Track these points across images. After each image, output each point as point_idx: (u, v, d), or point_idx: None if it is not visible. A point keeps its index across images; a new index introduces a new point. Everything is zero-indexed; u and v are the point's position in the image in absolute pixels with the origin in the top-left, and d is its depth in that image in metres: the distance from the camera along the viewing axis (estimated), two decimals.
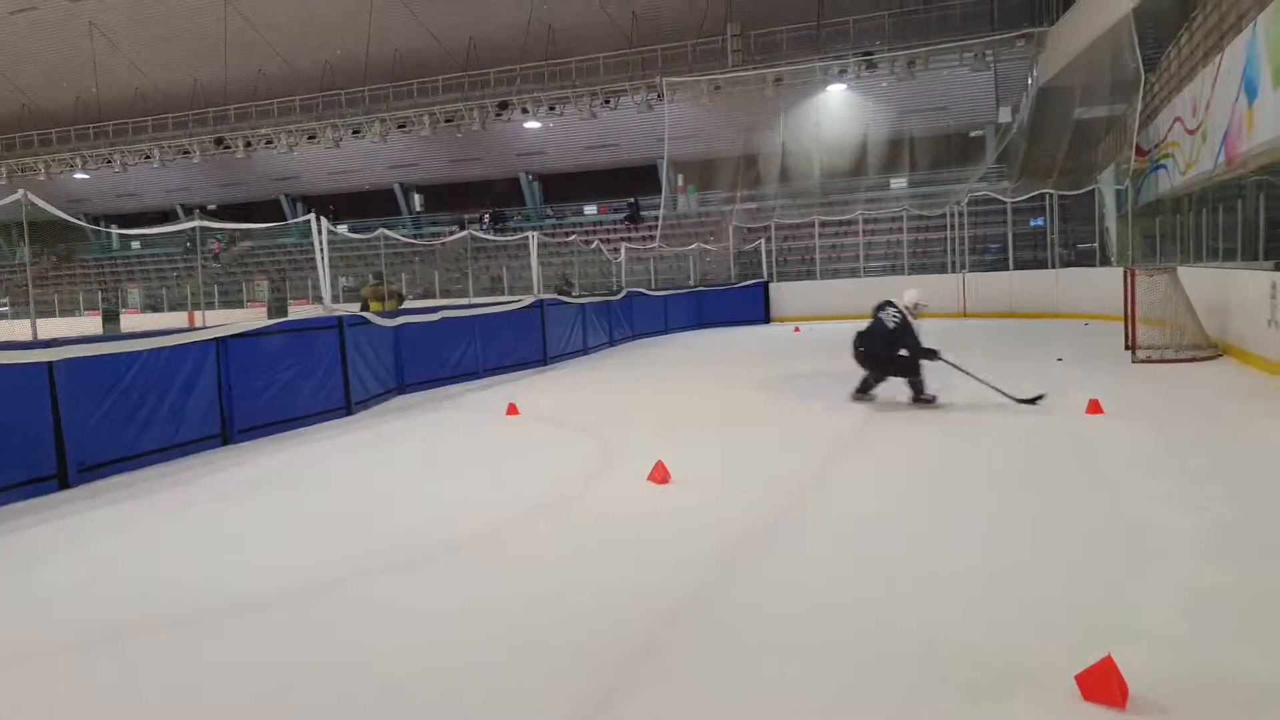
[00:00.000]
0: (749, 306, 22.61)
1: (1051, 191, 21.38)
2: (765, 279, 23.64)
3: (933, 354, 8.37)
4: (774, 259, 24.34)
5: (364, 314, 11.09)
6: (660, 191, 31.05)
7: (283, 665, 3.35)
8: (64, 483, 6.45)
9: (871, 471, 6.18)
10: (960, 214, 22.53)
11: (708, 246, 25.91)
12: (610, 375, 13.15)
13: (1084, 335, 14.73)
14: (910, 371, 8.47)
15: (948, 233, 22.84)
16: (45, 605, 4.17)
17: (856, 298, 22.21)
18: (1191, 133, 14.32)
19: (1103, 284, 17.07)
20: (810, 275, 24.47)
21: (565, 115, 29.90)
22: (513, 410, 9.42)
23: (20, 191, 7.24)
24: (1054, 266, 21.14)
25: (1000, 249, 22.68)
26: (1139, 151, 18.42)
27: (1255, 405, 7.85)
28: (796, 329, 19.95)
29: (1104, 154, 21.59)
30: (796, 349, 15.72)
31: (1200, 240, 14.33)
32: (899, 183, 28.44)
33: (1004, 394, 8.06)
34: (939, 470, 6.08)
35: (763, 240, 24.30)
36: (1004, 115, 27.62)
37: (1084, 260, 21.05)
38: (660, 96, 28.14)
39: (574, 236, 26.58)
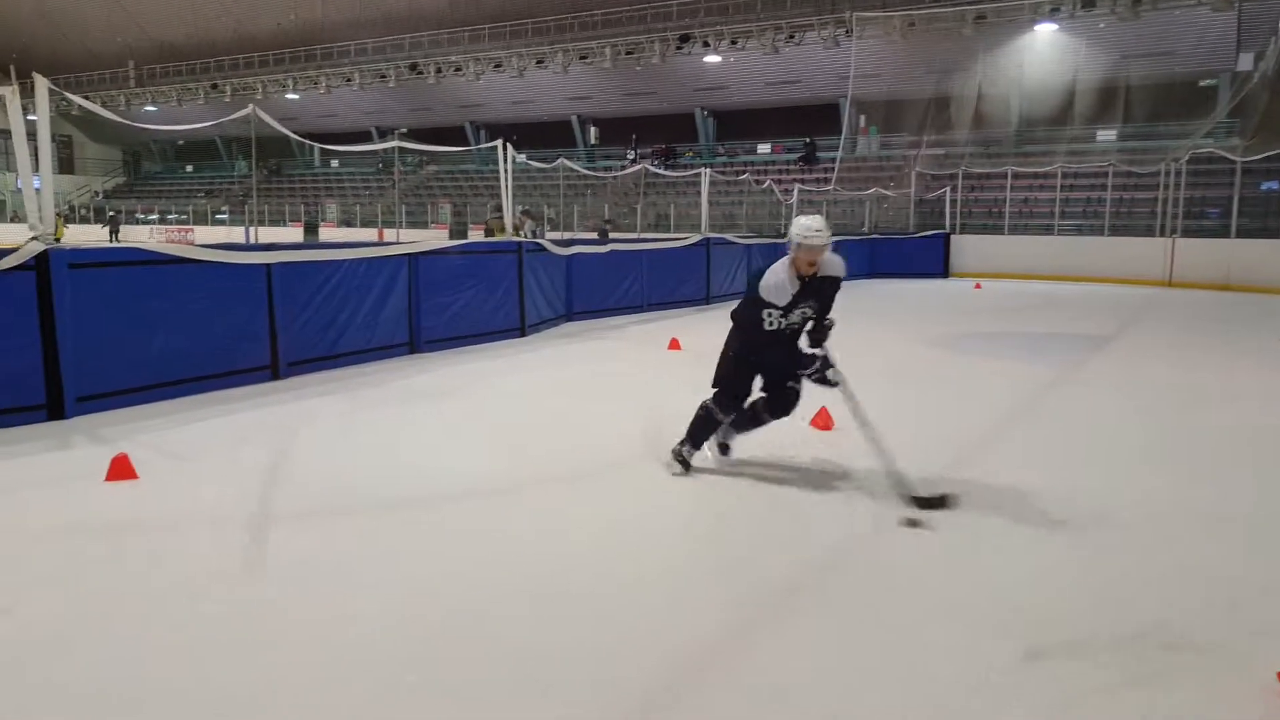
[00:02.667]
0: (927, 258, 21.62)
1: None
2: (947, 230, 22.51)
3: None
4: (958, 209, 23.10)
5: (539, 241, 11.45)
6: (839, 132, 29.98)
7: (451, 557, 3.60)
8: (275, 374, 7.11)
9: (1058, 437, 5.84)
10: (1177, 172, 20.50)
11: (886, 192, 24.89)
12: None
13: None
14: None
15: (1160, 192, 20.86)
16: (250, 481, 4.60)
17: (1047, 256, 21.00)
18: None
19: None
20: (997, 229, 23.05)
21: (747, 49, 29.23)
22: (675, 345, 9.51)
23: (250, 107, 7.85)
24: None
25: (1221, 214, 20.50)
26: None
27: None
28: (978, 285, 18.97)
29: None
30: (977, 306, 14.97)
31: None
32: (1107, 135, 26.08)
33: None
34: (1128, 438, 5.66)
35: (948, 189, 23.07)
36: (1244, 63, 24.59)
37: None
38: (848, 32, 27.01)
39: (746, 175, 26.17)
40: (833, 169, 27.94)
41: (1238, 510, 4.31)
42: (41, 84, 5.91)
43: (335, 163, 42.19)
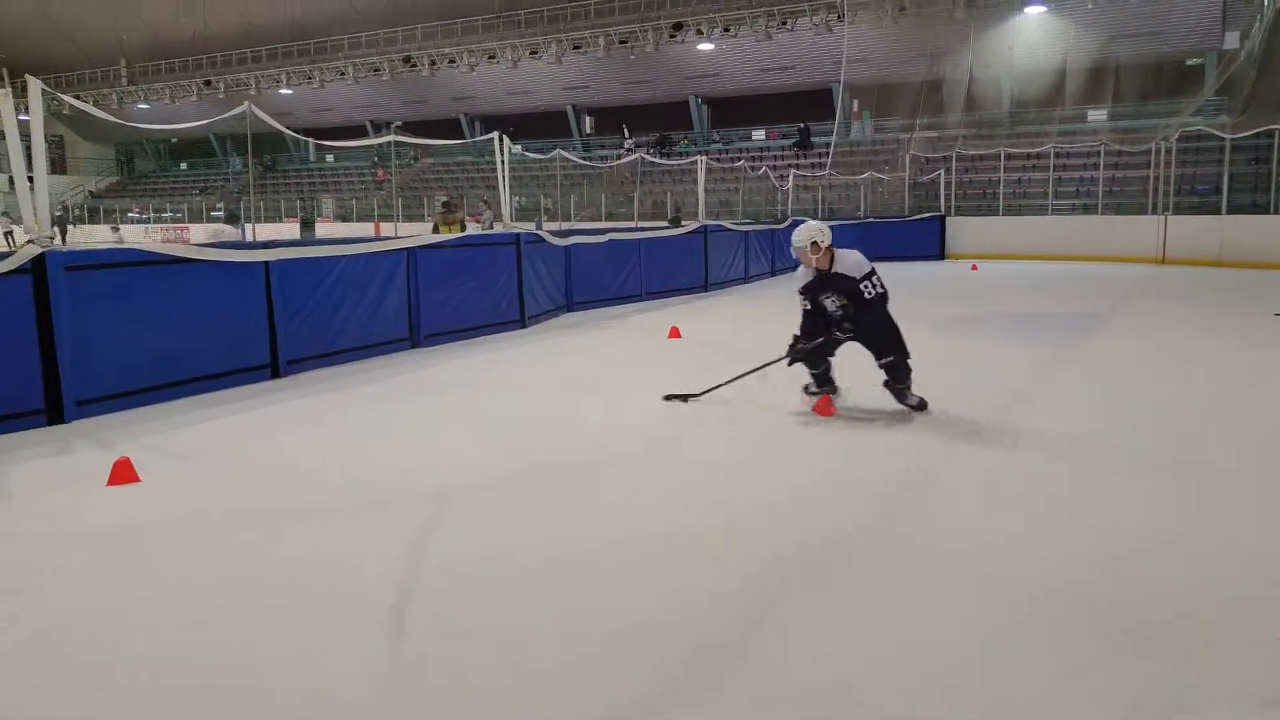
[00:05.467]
0: (923, 241, 21.64)
1: None
2: (942, 213, 22.51)
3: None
4: (953, 192, 23.09)
5: (537, 232, 11.46)
6: (833, 117, 29.94)
7: (455, 552, 3.62)
8: (275, 372, 7.14)
9: (1060, 421, 5.88)
10: (1168, 150, 20.52)
11: (881, 176, 24.87)
12: (772, 305, 13.01)
13: None
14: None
15: (1150, 170, 20.88)
16: (253, 481, 4.65)
17: (1042, 237, 21.01)
18: None
19: None
20: (992, 210, 23.08)
21: (739, 37, 29.16)
22: (675, 334, 9.54)
23: (245, 104, 7.84)
24: (1277, 212, 19.02)
25: (1211, 190, 20.55)
26: None
27: None
28: (974, 267, 19.00)
29: None
30: (975, 288, 15.00)
31: None
32: (1098, 115, 26.08)
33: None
34: (1139, 420, 5.70)
35: (942, 171, 23.07)
36: (1230, 41, 24.63)
37: None
38: (840, 17, 26.92)
39: (741, 162, 26.15)
40: (827, 154, 27.90)
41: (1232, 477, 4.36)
42: (35, 85, 5.91)
43: (330, 157, 42.04)
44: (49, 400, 5.70)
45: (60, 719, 2.46)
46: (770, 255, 17.31)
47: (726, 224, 16.10)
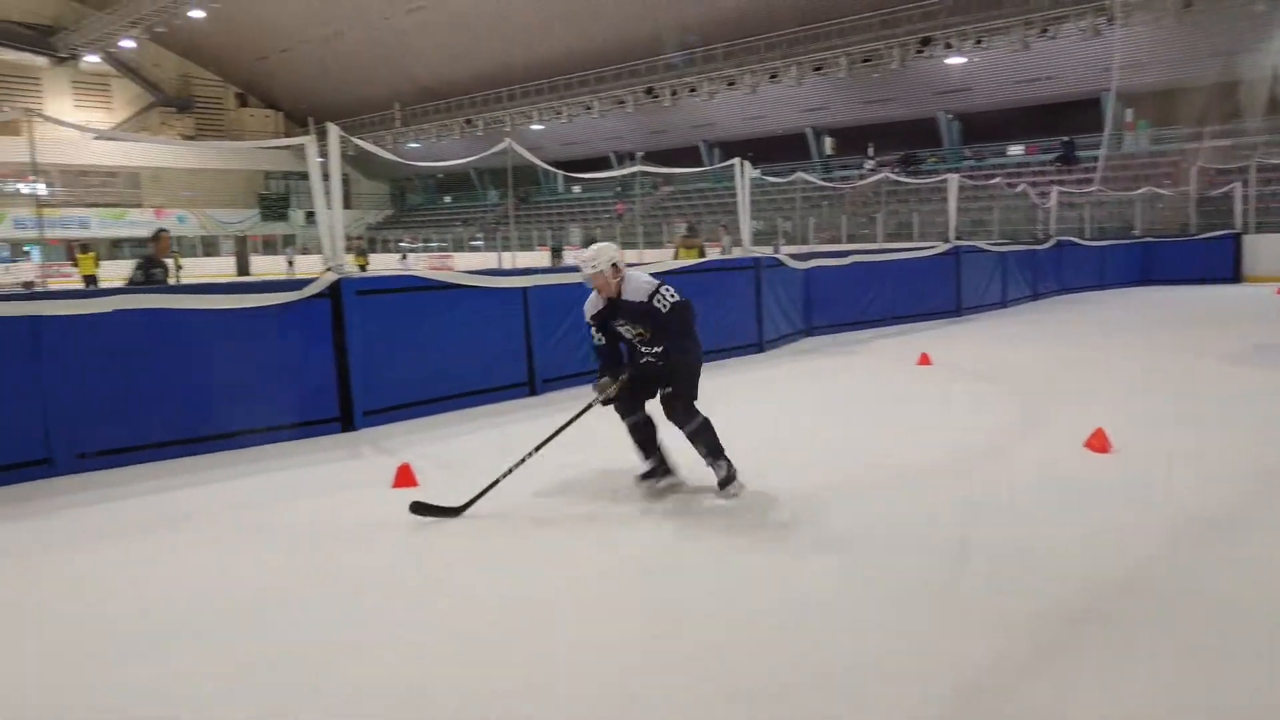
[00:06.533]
0: (1212, 262, 19.21)
1: None
2: (1237, 230, 19.92)
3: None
4: (1250, 206, 20.35)
5: (776, 256, 11.37)
6: (1101, 128, 27.46)
7: (701, 566, 3.62)
8: (532, 389, 7.55)
9: None
10: None
11: (1161, 190, 22.45)
12: (1034, 331, 12.07)
13: None
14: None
15: None
16: (518, 488, 4.85)
17: None
18: None
19: None
20: None
21: (993, 48, 27.53)
22: (925, 360, 9.06)
23: (506, 141, 8.44)
24: None
25: None
26: None
27: None
28: (1279, 291, 16.61)
29: None
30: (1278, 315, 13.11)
31: None
32: None
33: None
34: None
35: (1237, 184, 20.41)
36: None
37: None
38: (1110, 20, 24.69)
39: (998, 179, 24.60)
40: (1094, 168, 25.62)
41: None
42: (334, 131, 6.63)
43: (577, 188, 44.35)
44: (342, 410, 6.34)
45: (358, 703, 2.68)
46: (1031, 278, 16.11)
47: (982, 244, 15.18)
